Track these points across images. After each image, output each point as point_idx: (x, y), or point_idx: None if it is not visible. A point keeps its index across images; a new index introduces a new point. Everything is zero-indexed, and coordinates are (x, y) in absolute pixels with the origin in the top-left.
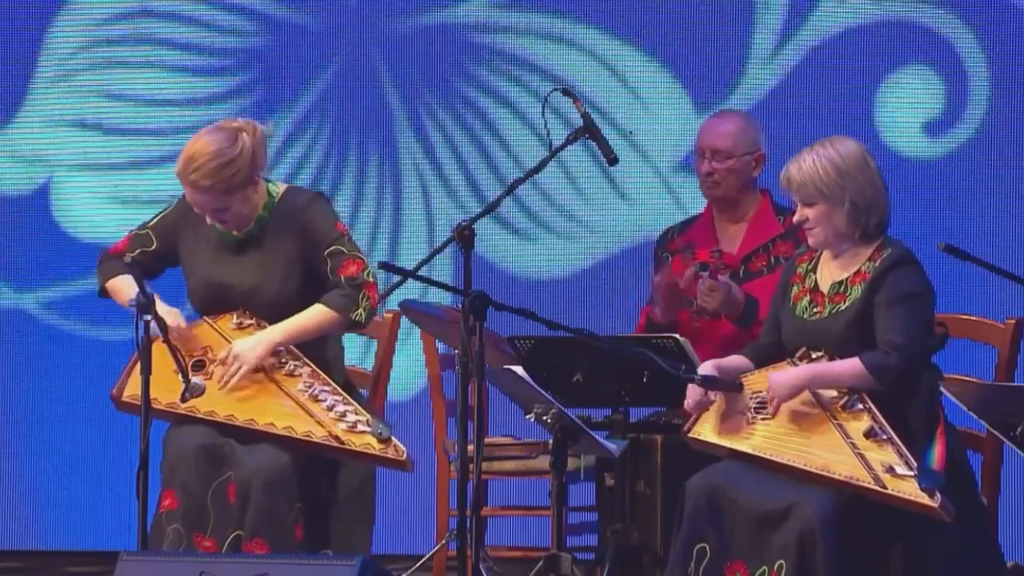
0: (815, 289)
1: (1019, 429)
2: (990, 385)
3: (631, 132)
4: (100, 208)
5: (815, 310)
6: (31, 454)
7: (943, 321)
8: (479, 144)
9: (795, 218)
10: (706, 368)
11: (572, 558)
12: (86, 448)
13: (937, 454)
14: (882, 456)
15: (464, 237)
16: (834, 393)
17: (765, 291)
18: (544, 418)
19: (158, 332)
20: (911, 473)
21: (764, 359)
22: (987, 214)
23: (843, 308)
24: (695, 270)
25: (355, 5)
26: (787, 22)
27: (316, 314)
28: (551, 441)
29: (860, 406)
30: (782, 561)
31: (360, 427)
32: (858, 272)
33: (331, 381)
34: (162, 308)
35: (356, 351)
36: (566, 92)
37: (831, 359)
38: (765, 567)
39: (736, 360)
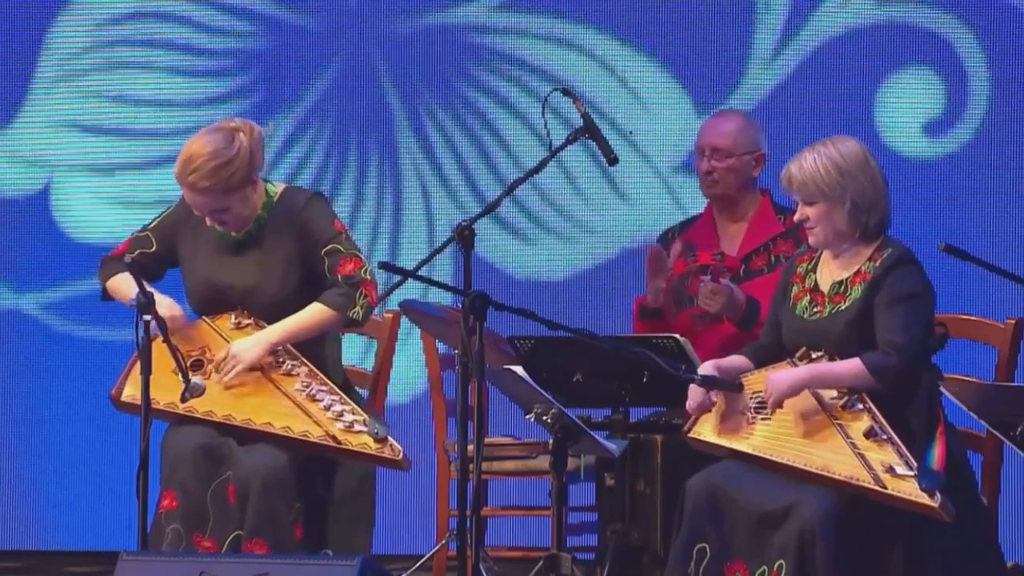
0: (815, 289)
1: (1019, 429)
2: (990, 385)
3: (631, 132)
4: (100, 209)
5: (815, 310)
6: (31, 454)
7: (943, 321)
8: (479, 145)
9: (795, 217)
10: (706, 368)
11: (572, 558)
12: (86, 448)
13: (937, 454)
14: (882, 456)
15: (464, 237)
16: (834, 393)
17: (765, 290)
18: (544, 418)
19: (158, 332)
20: (911, 473)
21: (764, 359)
22: (987, 214)
23: (843, 308)
24: (681, 246)
25: (355, 6)
26: (788, 23)
27: (314, 313)
28: (551, 441)
29: (860, 406)
30: (782, 561)
31: (357, 427)
32: (858, 272)
33: (328, 381)
34: (161, 299)
35: (356, 351)
36: (566, 92)
37: (831, 359)
38: (765, 567)
39: (736, 360)
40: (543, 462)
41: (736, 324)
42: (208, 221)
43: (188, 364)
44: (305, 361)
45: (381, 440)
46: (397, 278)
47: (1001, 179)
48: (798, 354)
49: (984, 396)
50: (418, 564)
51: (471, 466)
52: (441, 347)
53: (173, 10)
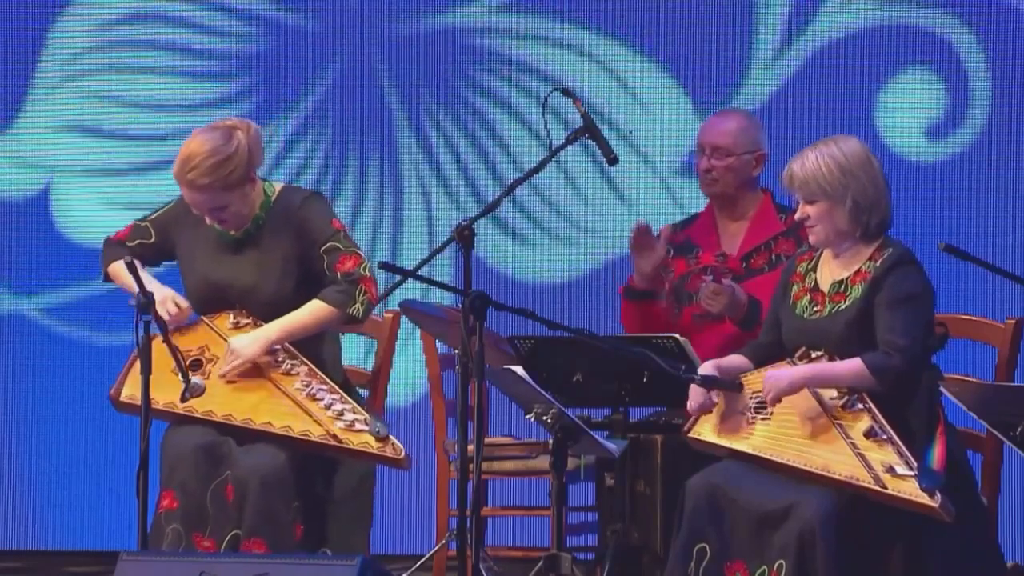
0: (815, 288)
1: (1019, 429)
2: (990, 385)
3: (631, 132)
4: (100, 212)
5: (815, 309)
6: (31, 454)
7: (943, 321)
8: (479, 146)
9: (796, 216)
10: (706, 368)
11: (572, 558)
12: (86, 448)
13: (937, 454)
14: (882, 456)
15: (464, 237)
16: (834, 393)
17: (765, 289)
18: (544, 418)
19: (157, 331)
20: (911, 473)
21: (764, 358)
22: (987, 214)
23: (843, 307)
24: (673, 228)
25: (355, 8)
26: (788, 24)
27: (313, 310)
28: (551, 441)
29: (860, 406)
30: (782, 561)
31: (358, 426)
32: (858, 271)
33: (328, 380)
34: (160, 290)
35: (357, 351)
36: (566, 92)
37: (831, 359)
38: (765, 567)
39: (736, 360)
40: (543, 462)
41: (738, 324)
42: (207, 220)
43: (188, 364)
44: (305, 360)
45: (383, 439)
46: (397, 278)
47: (1001, 179)
48: (798, 354)
49: (984, 396)
50: (418, 564)
51: (471, 466)
52: (441, 347)
53: (173, 12)
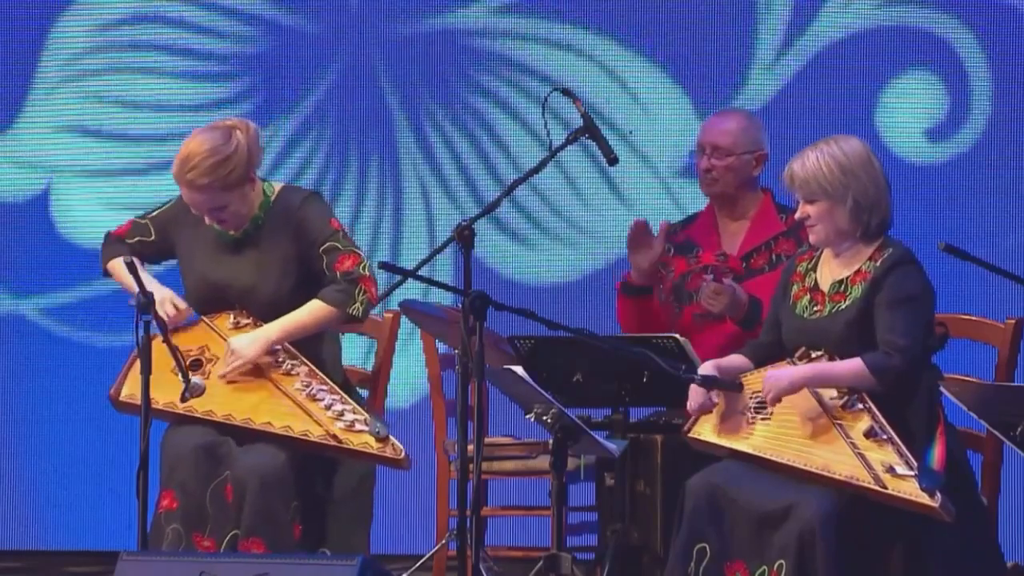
0: (815, 288)
1: (1019, 429)
2: (990, 385)
3: (631, 132)
4: (100, 214)
5: (815, 309)
6: (31, 454)
7: (943, 321)
8: (479, 148)
9: (796, 215)
10: (706, 368)
11: (572, 558)
12: (86, 448)
13: (937, 454)
14: (882, 456)
15: (464, 237)
16: (834, 393)
17: (766, 289)
18: (544, 418)
19: (157, 331)
20: (911, 473)
21: (764, 358)
22: (987, 215)
23: (843, 307)
24: (671, 226)
25: (355, 9)
26: (789, 26)
27: (313, 310)
28: (551, 441)
29: (860, 406)
30: (782, 561)
31: (358, 426)
32: (858, 271)
33: (328, 380)
34: (159, 291)
35: (357, 351)
36: (566, 92)
37: (830, 359)
38: (765, 567)
39: (736, 360)
40: (543, 462)
41: (738, 324)
42: (206, 220)
43: (188, 363)
44: (305, 360)
45: (383, 439)
46: (397, 278)
47: (1001, 180)
48: (797, 354)
49: (984, 396)
50: (418, 564)
51: (471, 466)
52: (441, 347)
53: (173, 13)
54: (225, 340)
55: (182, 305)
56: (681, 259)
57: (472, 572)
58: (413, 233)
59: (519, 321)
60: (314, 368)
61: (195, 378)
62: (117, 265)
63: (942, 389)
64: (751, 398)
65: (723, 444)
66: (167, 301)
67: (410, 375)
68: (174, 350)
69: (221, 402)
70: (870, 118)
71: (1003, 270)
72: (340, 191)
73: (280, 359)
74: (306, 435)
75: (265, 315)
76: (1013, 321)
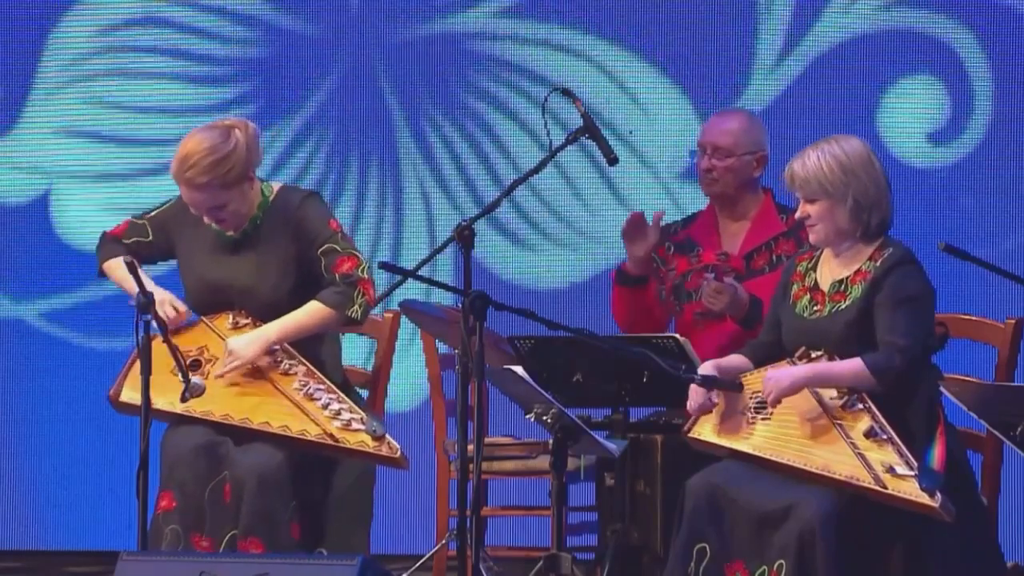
0: (815, 288)
1: (1019, 429)
2: (990, 385)
3: (631, 131)
4: (100, 217)
5: (815, 308)
6: (31, 454)
7: (943, 321)
8: (479, 149)
9: (797, 214)
10: (706, 368)
11: (572, 558)
12: (86, 448)
13: (937, 454)
14: (882, 456)
15: (464, 237)
16: (834, 393)
17: (766, 290)
18: (544, 418)
19: (157, 331)
20: (911, 473)
21: (763, 357)
22: (988, 217)
23: (843, 307)
24: (669, 227)
25: (355, 13)
26: (790, 29)
27: (311, 311)
28: (551, 441)
29: (860, 406)
30: (782, 561)
31: (355, 425)
32: (858, 271)
33: (326, 380)
34: (158, 293)
35: (358, 352)
36: (566, 92)
37: (830, 359)
38: (765, 567)
39: (735, 360)
40: (543, 462)
41: (739, 323)
42: (205, 219)
43: (187, 364)
44: (303, 360)
45: (379, 438)
46: (398, 278)
47: (1001, 180)
48: (797, 354)
49: (984, 396)
50: (418, 564)
51: (471, 466)
52: (441, 347)
53: (174, 16)
54: (224, 340)
55: (182, 307)
56: (683, 258)
57: (472, 572)
58: (413, 234)
59: (519, 321)
60: (312, 368)
61: (195, 378)
62: (114, 265)
63: (942, 389)
64: (751, 398)
65: (723, 444)
66: (167, 303)
67: (411, 376)
68: (174, 350)
69: (219, 402)
70: (871, 120)
71: (1003, 270)
72: (341, 193)
73: (278, 359)
74: (303, 434)
75: (264, 315)
76: (1013, 321)
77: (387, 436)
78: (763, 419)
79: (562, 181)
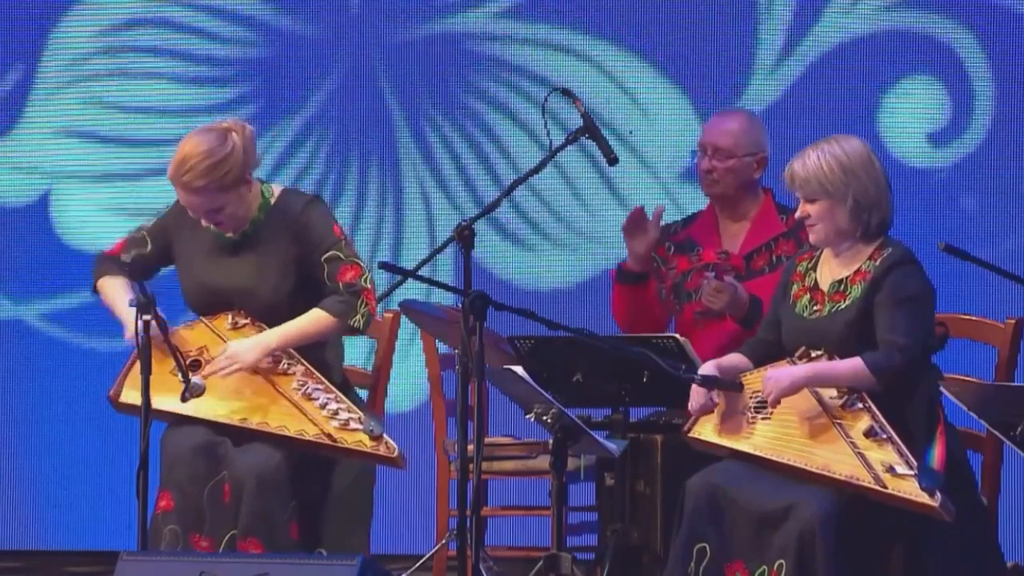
0: (815, 287)
1: (1019, 429)
2: (990, 385)
3: (631, 131)
4: (100, 218)
5: (815, 308)
6: (31, 454)
7: (943, 321)
8: (479, 150)
9: (797, 214)
10: (707, 369)
11: (572, 558)
12: (86, 448)
13: (937, 454)
14: (882, 456)
15: (464, 237)
16: (834, 392)
17: (766, 290)
18: (544, 418)
19: (157, 332)
20: (911, 472)
21: (761, 355)
22: (988, 218)
23: (843, 307)
24: (664, 208)
25: (355, 14)
26: (791, 30)
27: (314, 319)
28: (551, 441)
29: (860, 405)
30: (782, 561)
31: (352, 424)
32: (858, 271)
33: (324, 380)
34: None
35: (359, 352)
36: (566, 92)
37: (830, 359)
38: (765, 567)
39: (735, 359)
40: (543, 462)
41: (739, 322)
42: (203, 222)
43: (187, 364)
44: (302, 360)
45: (376, 438)
46: (398, 278)
47: (1002, 181)
48: (797, 353)
49: (984, 396)
50: (418, 564)
51: (471, 466)
52: (441, 347)
53: (173, 19)
54: (224, 340)
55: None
56: (683, 257)
57: (472, 572)
58: (413, 234)
59: (519, 321)
60: (310, 368)
61: (195, 378)
62: (107, 284)
63: (942, 389)
64: (751, 398)
65: (724, 444)
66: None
67: (411, 376)
68: (174, 350)
69: (218, 402)
70: (872, 121)
71: (1003, 270)
72: (341, 193)
73: (277, 358)
74: (301, 434)
75: (263, 316)
76: (1013, 321)
77: (385, 436)
78: (763, 419)
79: (562, 182)
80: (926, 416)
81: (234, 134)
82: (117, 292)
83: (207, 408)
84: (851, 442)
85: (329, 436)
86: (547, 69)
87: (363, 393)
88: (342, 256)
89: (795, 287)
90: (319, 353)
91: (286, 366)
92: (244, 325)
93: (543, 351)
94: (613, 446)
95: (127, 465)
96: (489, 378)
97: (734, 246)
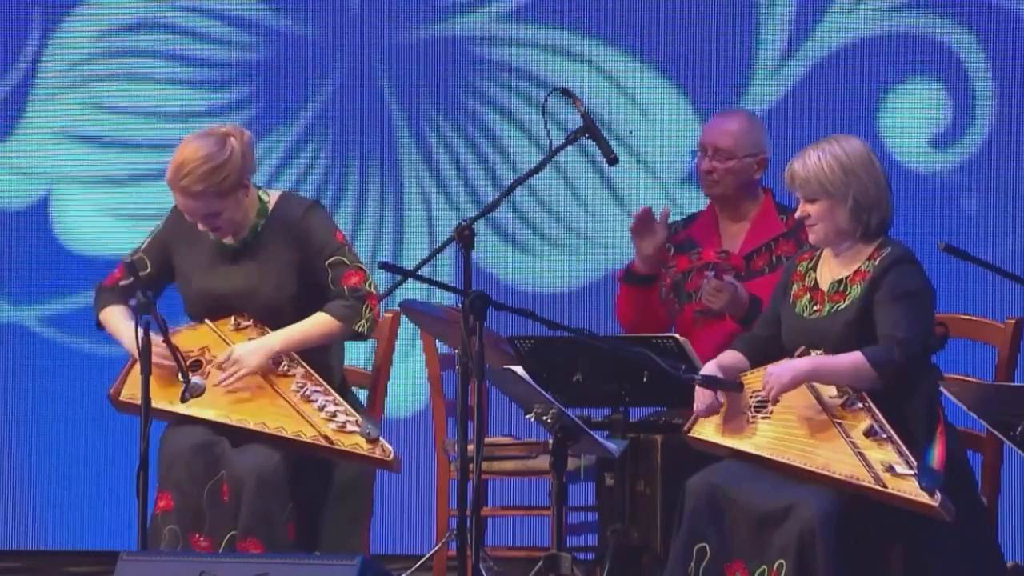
0: (815, 287)
1: (1019, 429)
2: (990, 385)
3: (631, 131)
4: (99, 222)
5: (815, 308)
6: (31, 454)
7: (943, 321)
8: (479, 152)
9: (797, 214)
10: (708, 369)
11: (572, 558)
12: (86, 448)
13: (937, 454)
14: (882, 455)
15: (464, 237)
16: (834, 392)
17: (766, 291)
18: (544, 418)
19: (158, 332)
20: (911, 472)
21: (755, 351)
22: (987, 216)
23: (843, 307)
24: (670, 210)
25: (355, 16)
26: (791, 32)
27: (319, 323)
28: (551, 441)
29: (860, 405)
30: (782, 561)
31: (349, 427)
32: (858, 271)
33: (323, 382)
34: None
35: (358, 352)
36: (566, 92)
37: None
38: (765, 567)
39: (733, 358)
40: (543, 462)
41: (738, 322)
42: (201, 227)
43: (188, 364)
44: (301, 362)
45: (373, 441)
46: (398, 278)
47: (1002, 181)
48: (797, 353)
49: (984, 396)
50: (418, 564)
51: (471, 466)
52: (441, 347)
53: (173, 21)
54: (226, 341)
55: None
56: (683, 257)
57: (472, 572)
58: (414, 235)
59: (519, 321)
60: (310, 370)
61: (195, 378)
62: (109, 314)
63: (942, 389)
64: (751, 397)
65: (724, 443)
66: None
67: (411, 377)
68: (174, 350)
69: (217, 403)
70: (873, 123)
71: (1003, 270)
72: (342, 194)
73: (278, 359)
74: (299, 436)
75: (266, 319)
76: (1013, 321)
77: (381, 439)
78: (763, 418)
79: (562, 184)
80: (926, 416)
81: (232, 139)
82: (120, 323)
83: (207, 408)
84: (851, 442)
85: (326, 438)
86: (547, 70)
87: (363, 393)
88: (346, 261)
89: (795, 287)
90: (322, 356)
91: (286, 368)
92: (247, 327)
93: (543, 351)
94: (613, 446)
95: (127, 465)
96: (489, 378)
97: (734, 246)
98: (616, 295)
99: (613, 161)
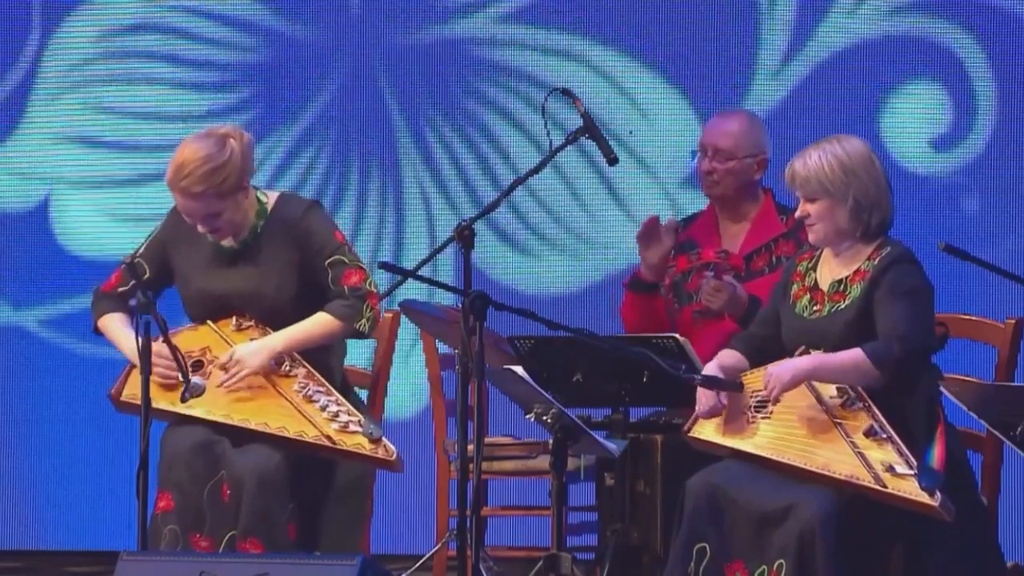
0: (815, 287)
1: (1019, 429)
2: (990, 385)
3: (631, 132)
4: (99, 224)
5: (815, 308)
6: (31, 454)
7: (943, 321)
8: (479, 153)
9: (797, 214)
10: (709, 369)
11: (572, 558)
12: (86, 448)
13: (937, 454)
14: (882, 455)
15: (464, 237)
16: (834, 392)
17: (766, 291)
18: (544, 418)
19: (157, 332)
20: (911, 472)
21: (753, 350)
22: (987, 216)
23: (842, 307)
24: (676, 223)
25: (356, 18)
26: (792, 34)
27: (320, 323)
28: (551, 441)
29: (860, 405)
30: (782, 561)
31: (352, 427)
32: (858, 271)
33: (325, 382)
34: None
35: (359, 352)
36: (566, 92)
37: None
38: (765, 567)
39: (732, 358)
40: (543, 462)
41: (738, 322)
42: (200, 228)
43: (188, 364)
44: (304, 363)
45: (375, 441)
46: (398, 278)
47: (1002, 181)
48: (797, 353)
49: (984, 396)
50: (418, 564)
51: (471, 466)
52: (441, 347)
53: (172, 24)
54: (228, 342)
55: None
56: (682, 257)
57: (472, 572)
58: (414, 235)
59: (519, 321)
60: (312, 370)
61: (195, 378)
62: (108, 321)
63: (942, 389)
64: (751, 397)
65: (724, 443)
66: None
67: (412, 377)
68: (174, 350)
69: (218, 403)
70: (874, 124)
71: (1003, 270)
72: (342, 195)
73: (280, 359)
74: (301, 435)
75: (267, 320)
76: (1013, 321)
77: (383, 439)
78: (764, 418)
79: (562, 186)
80: (926, 416)
81: (232, 140)
82: (120, 331)
83: (208, 408)
84: (851, 442)
85: (328, 438)
86: (547, 71)
87: (363, 393)
88: (346, 260)
89: (795, 287)
90: (323, 356)
91: (288, 368)
92: (248, 327)
93: (543, 351)
94: (613, 446)
95: (127, 465)
96: (489, 378)
97: (734, 247)
98: (621, 302)
99: (613, 161)
